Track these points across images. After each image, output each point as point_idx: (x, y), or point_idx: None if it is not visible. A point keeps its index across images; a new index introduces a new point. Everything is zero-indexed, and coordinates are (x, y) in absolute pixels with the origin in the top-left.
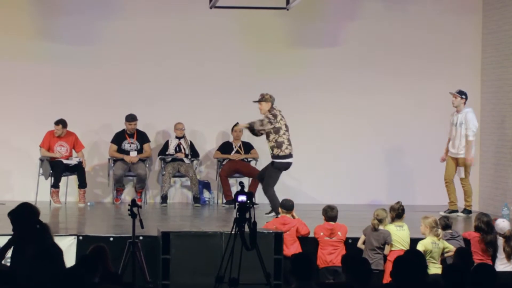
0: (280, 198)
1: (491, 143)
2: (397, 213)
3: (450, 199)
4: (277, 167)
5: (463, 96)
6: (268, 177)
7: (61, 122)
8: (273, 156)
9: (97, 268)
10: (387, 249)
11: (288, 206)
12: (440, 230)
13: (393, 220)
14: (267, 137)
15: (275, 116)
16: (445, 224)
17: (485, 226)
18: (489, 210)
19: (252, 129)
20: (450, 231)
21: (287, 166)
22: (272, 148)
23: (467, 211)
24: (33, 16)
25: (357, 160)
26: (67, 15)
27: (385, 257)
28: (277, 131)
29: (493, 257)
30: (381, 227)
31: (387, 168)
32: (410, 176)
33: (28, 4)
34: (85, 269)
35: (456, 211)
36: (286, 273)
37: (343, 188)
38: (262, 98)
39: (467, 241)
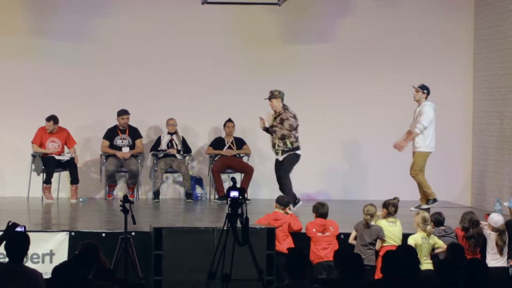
0: (275, 195)
1: (483, 138)
2: (395, 209)
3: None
4: (290, 160)
5: (425, 91)
6: (283, 170)
7: (52, 118)
8: (284, 151)
9: (91, 265)
10: (378, 244)
11: (283, 202)
12: (429, 227)
13: (388, 215)
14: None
15: (295, 117)
16: (437, 220)
17: (468, 223)
18: (481, 205)
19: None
20: (443, 227)
21: (298, 158)
22: (284, 143)
23: (431, 201)
24: (25, 13)
25: (346, 156)
26: (59, 12)
27: (377, 253)
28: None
29: (482, 252)
30: (372, 222)
31: (377, 165)
32: (400, 173)
33: (20, 2)
34: (80, 266)
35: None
36: (280, 269)
37: (327, 184)
38: (272, 95)
39: None
